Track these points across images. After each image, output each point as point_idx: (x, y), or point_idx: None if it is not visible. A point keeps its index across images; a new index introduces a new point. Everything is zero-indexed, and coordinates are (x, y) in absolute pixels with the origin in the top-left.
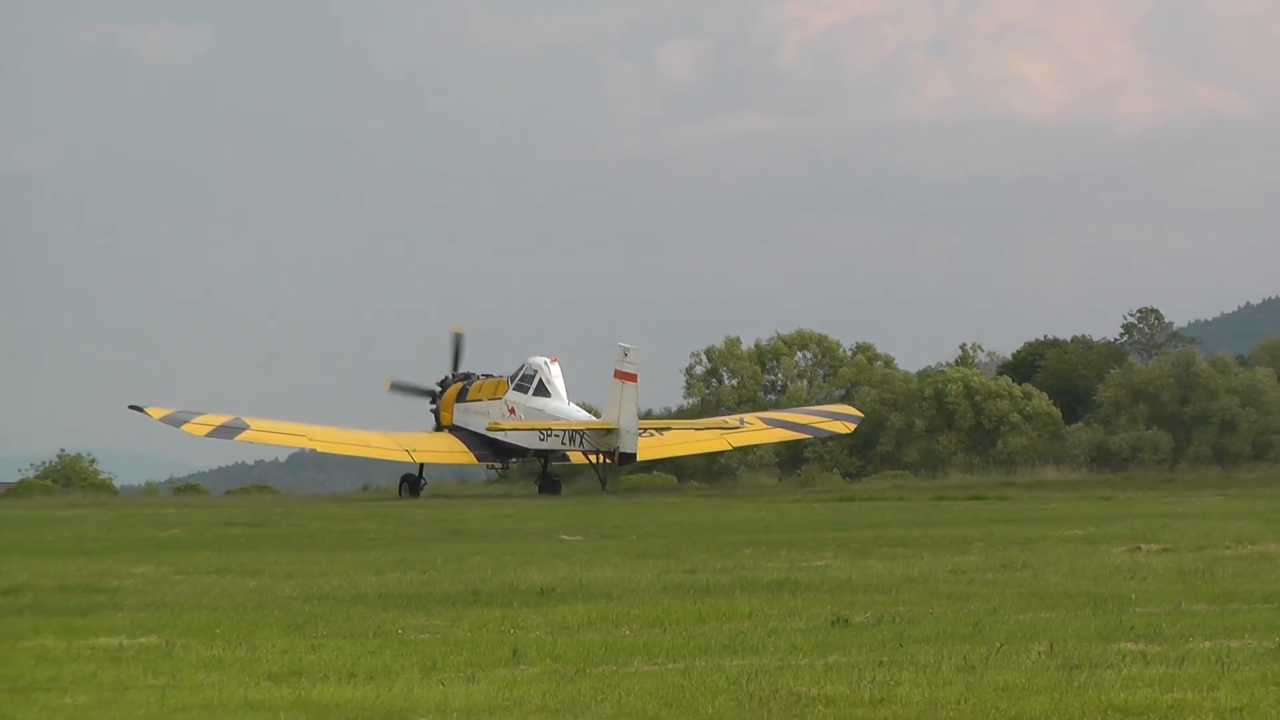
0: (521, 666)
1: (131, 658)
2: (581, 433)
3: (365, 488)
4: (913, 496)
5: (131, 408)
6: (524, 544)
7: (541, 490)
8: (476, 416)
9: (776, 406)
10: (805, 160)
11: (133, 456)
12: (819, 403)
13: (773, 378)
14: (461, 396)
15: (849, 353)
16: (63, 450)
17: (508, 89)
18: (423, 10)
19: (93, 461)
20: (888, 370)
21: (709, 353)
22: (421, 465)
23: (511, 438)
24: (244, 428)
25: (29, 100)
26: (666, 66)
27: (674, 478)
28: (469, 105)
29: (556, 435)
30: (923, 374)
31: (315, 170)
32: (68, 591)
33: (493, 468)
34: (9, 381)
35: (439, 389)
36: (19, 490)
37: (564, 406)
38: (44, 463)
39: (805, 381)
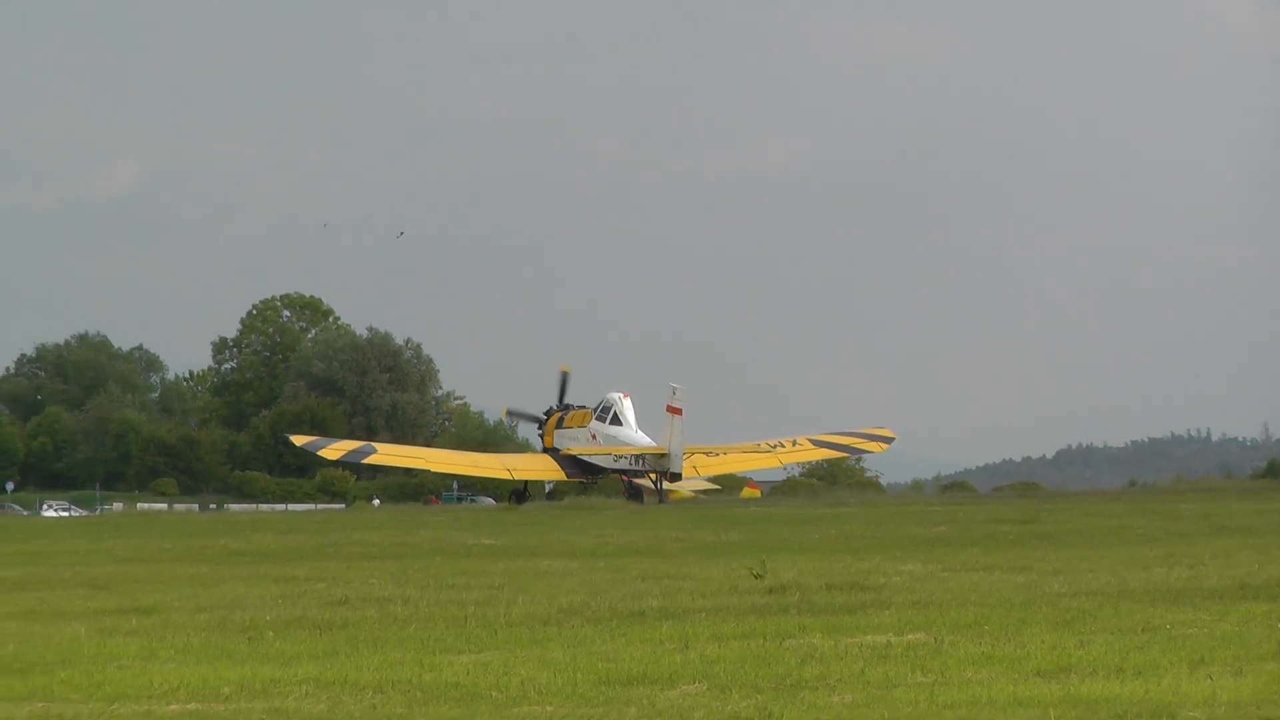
0: None
1: (899, 655)
2: (643, 456)
3: (1132, 483)
4: None
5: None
6: None
7: (629, 499)
8: (569, 441)
9: None
10: None
11: (899, 454)
12: None
13: None
14: (560, 424)
15: None
16: None
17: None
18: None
19: (859, 460)
20: None
21: None
22: (525, 482)
23: (594, 459)
24: (371, 452)
25: (783, 100)
26: None
27: None
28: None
29: (626, 459)
30: None
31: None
32: (834, 589)
33: (582, 483)
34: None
35: (544, 417)
36: (785, 488)
37: (632, 434)
38: (810, 461)
39: None
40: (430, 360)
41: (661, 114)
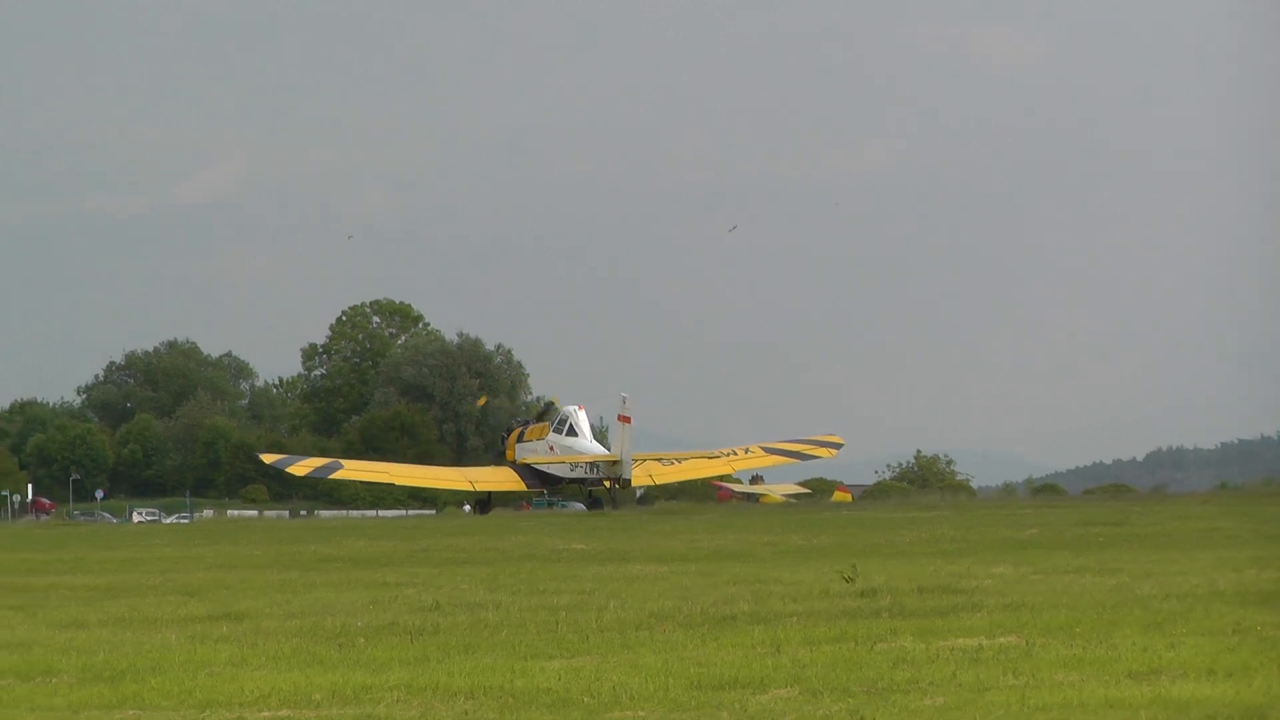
0: None
1: (990, 658)
2: (597, 464)
3: (1223, 486)
4: None
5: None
6: None
7: (589, 508)
8: (529, 453)
9: None
10: None
11: (990, 457)
12: None
13: None
14: (521, 438)
15: None
16: (919, 451)
17: None
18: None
19: (950, 463)
20: None
21: None
22: (489, 493)
23: (551, 469)
24: (339, 468)
25: (880, 100)
26: None
27: None
28: None
29: (582, 467)
30: None
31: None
32: (925, 593)
33: (541, 494)
34: (861, 384)
35: (506, 432)
36: (876, 492)
37: (587, 444)
38: (900, 464)
39: None
40: (520, 365)
41: (756, 118)
